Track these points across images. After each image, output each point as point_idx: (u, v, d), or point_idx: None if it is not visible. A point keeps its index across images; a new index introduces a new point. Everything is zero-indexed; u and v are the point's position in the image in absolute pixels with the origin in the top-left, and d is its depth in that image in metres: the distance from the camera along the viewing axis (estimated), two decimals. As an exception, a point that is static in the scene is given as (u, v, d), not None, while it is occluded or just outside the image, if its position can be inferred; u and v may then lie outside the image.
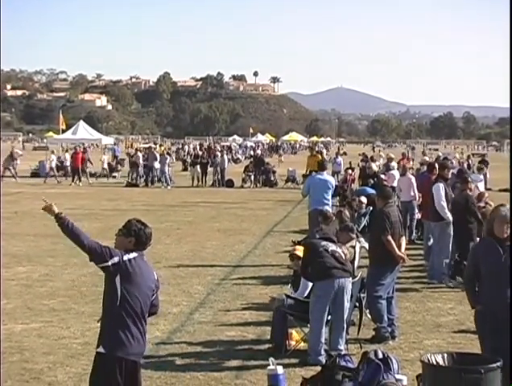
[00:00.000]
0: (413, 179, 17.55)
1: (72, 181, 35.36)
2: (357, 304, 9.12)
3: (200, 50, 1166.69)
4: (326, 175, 14.62)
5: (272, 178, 36.59)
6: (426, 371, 5.80)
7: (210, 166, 36.25)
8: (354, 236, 10.75)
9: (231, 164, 48.32)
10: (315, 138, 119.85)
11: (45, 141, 75.67)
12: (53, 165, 38.11)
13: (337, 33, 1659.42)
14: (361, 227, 16.41)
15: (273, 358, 7.19)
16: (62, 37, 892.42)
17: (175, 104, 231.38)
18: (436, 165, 14.84)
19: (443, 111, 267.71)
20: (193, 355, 8.42)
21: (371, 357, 6.62)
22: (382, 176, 23.03)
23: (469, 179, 13.51)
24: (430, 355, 5.88)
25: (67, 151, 41.02)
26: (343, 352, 7.87)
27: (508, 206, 6.48)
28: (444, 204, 12.72)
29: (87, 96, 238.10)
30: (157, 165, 35.33)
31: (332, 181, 15.04)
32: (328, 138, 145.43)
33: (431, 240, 13.73)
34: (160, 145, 58.68)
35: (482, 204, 13.59)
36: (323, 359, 7.90)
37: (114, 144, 55.81)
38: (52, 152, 40.02)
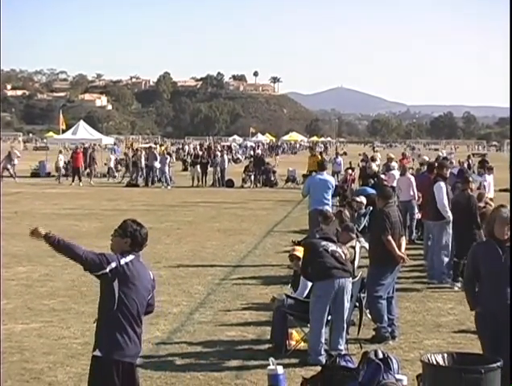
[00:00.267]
0: (412, 179, 17.55)
1: (73, 181, 35.36)
2: (357, 304, 9.12)
3: (200, 50, 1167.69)
4: (326, 175, 14.63)
5: (272, 178, 36.59)
6: (426, 371, 5.80)
7: (210, 166, 36.25)
8: (354, 236, 10.75)
9: (231, 164, 48.33)
10: (315, 138, 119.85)
11: (45, 141, 75.70)
12: (61, 165, 38.12)
13: (337, 33, 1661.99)
14: (361, 227, 16.41)
15: (273, 358, 7.19)
16: (62, 37, 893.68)
17: (175, 104, 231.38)
18: (436, 164, 14.86)
19: (444, 111, 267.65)
20: (193, 355, 8.42)
21: (371, 357, 6.62)
22: (382, 176, 23.03)
23: (470, 179, 13.51)
24: (430, 355, 5.88)
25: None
26: (343, 352, 7.88)
27: (508, 207, 6.48)
28: (446, 203, 12.74)
29: (87, 96, 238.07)
30: (157, 165, 35.36)
31: (332, 181, 15.05)
32: (329, 138, 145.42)
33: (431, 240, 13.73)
34: (160, 145, 58.71)
35: (482, 204, 13.60)
36: (323, 359, 7.91)
37: (114, 144, 55.82)
38: (60, 152, 39.99)
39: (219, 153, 37.72)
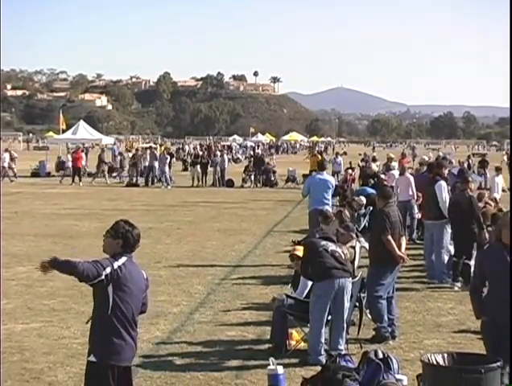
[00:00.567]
0: (411, 179, 17.55)
1: (73, 181, 35.35)
2: (357, 304, 9.11)
3: (200, 50, 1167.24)
4: (326, 175, 14.63)
5: (272, 178, 36.59)
6: (426, 371, 5.80)
7: (210, 166, 36.25)
8: (354, 235, 10.76)
9: (231, 164, 48.32)
10: (315, 138, 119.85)
11: (45, 141, 75.71)
12: (70, 164, 38.14)
13: (337, 33, 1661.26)
14: (361, 227, 16.43)
15: (273, 358, 7.19)
16: (62, 37, 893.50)
17: (176, 104, 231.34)
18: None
19: (444, 111, 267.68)
20: (193, 354, 8.42)
21: (371, 357, 6.62)
22: (382, 176, 23.05)
23: (470, 179, 13.52)
24: (430, 354, 5.88)
25: (82, 151, 41.14)
26: (343, 352, 7.88)
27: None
28: (448, 202, 12.76)
29: (87, 96, 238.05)
30: (157, 164, 35.35)
31: (332, 181, 15.05)
32: (329, 138, 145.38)
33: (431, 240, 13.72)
34: (160, 145, 58.65)
35: (482, 204, 13.61)
36: (323, 358, 7.91)
37: (114, 144, 55.79)
38: (68, 151, 40.03)
39: (219, 153, 37.72)
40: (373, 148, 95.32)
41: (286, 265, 13.45)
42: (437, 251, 12.87)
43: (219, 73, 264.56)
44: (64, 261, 5.21)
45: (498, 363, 5.57)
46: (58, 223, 19.98)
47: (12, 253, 14.94)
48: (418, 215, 17.18)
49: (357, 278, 8.90)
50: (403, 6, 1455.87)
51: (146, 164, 36.62)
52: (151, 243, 16.40)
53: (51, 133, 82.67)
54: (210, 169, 36.18)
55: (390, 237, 9.18)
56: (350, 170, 29.60)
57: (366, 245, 10.68)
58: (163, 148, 50.33)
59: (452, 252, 12.83)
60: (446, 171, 14.12)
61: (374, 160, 31.77)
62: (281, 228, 19.92)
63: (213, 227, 19.91)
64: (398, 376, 6.61)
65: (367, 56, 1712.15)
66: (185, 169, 44.90)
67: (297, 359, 8.15)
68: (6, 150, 39.59)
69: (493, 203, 14.83)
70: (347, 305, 8.30)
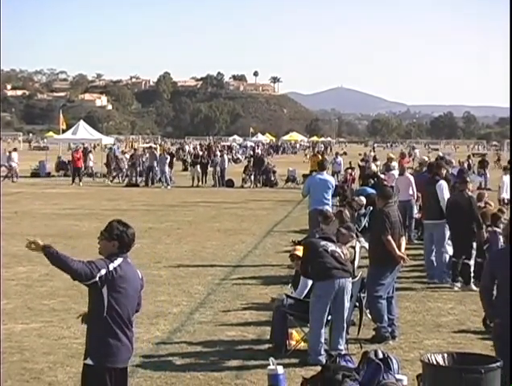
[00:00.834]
0: (411, 179, 17.54)
1: (73, 181, 35.35)
2: (357, 304, 9.12)
3: (200, 50, 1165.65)
4: (326, 175, 14.64)
5: (272, 178, 36.60)
6: (426, 371, 5.80)
7: (210, 166, 36.26)
8: (354, 235, 10.76)
9: (231, 164, 48.32)
10: (315, 138, 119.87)
11: (45, 141, 75.74)
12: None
13: (337, 33, 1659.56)
14: (361, 227, 16.43)
15: (273, 358, 7.20)
16: (62, 37, 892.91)
17: (175, 104, 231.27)
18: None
19: (444, 111, 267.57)
20: (193, 354, 8.42)
21: (371, 357, 6.62)
22: (382, 176, 23.04)
23: (468, 179, 13.52)
24: (430, 354, 5.88)
25: (90, 151, 41.35)
26: (343, 352, 7.88)
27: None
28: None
29: (87, 96, 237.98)
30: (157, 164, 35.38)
31: (332, 181, 15.05)
32: (329, 138, 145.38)
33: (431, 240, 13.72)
34: (160, 145, 58.68)
35: (482, 204, 13.61)
36: (323, 358, 7.91)
37: (114, 144, 55.80)
38: (69, 148, 40.12)
39: (219, 153, 37.72)
40: (373, 148, 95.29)
41: (286, 265, 13.45)
42: (438, 251, 12.88)
43: (219, 73, 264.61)
44: (58, 254, 5.15)
45: (498, 363, 5.57)
46: (58, 223, 19.99)
47: (12, 253, 14.93)
48: (417, 216, 17.18)
49: (357, 278, 8.90)
50: (403, 6, 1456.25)
51: (146, 164, 36.66)
52: (151, 243, 16.40)
53: (51, 133, 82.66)
54: (210, 169, 36.19)
55: (390, 237, 9.18)
56: (350, 170, 29.60)
57: (366, 245, 10.69)
58: (162, 148, 50.38)
59: (450, 252, 12.85)
60: (444, 172, 14.11)
61: (374, 160, 31.77)
62: (281, 228, 19.92)
63: (213, 227, 19.91)
64: (398, 376, 6.61)
65: (367, 56, 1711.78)
66: (185, 169, 44.91)
67: (297, 359, 8.16)
68: (15, 150, 39.80)
69: (492, 203, 14.76)
70: (347, 305, 8.30)
